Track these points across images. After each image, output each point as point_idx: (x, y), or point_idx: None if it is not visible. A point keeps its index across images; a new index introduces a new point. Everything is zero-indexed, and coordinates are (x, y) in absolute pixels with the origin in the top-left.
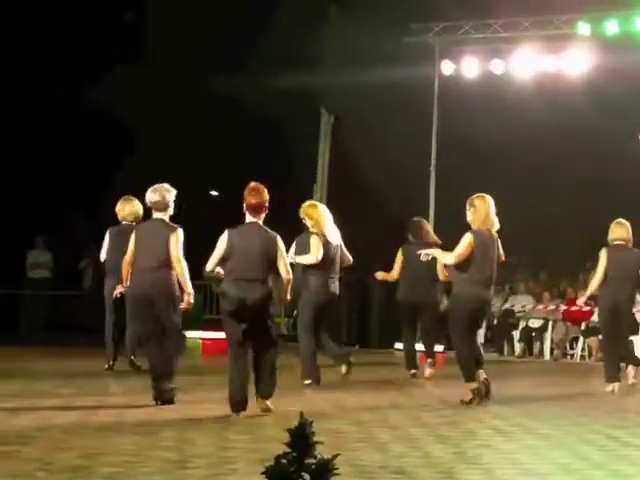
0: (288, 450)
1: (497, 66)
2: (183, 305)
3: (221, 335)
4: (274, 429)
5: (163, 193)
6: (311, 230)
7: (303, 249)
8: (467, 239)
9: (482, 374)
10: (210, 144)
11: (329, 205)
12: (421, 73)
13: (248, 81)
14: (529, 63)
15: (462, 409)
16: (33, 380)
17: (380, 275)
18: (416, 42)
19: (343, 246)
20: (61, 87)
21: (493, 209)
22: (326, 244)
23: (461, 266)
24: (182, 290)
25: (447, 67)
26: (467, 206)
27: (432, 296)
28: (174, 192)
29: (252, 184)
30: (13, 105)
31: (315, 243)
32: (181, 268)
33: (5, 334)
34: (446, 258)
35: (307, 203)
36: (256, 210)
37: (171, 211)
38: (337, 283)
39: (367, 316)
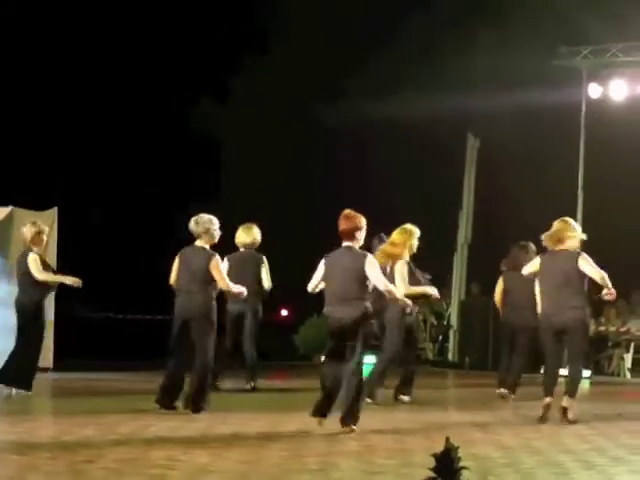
0: (434, 475)
1: None
2: None
3: None
4: (421, 454)
5: None
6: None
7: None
8: None
9: None
10: (350, 169)
11: (475, 230)
12: (568, 96)
13: (394, 106)
14: None
15: (609, 435)
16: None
17: None
18: (564, 65)
19: None
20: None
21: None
22: None
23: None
24: None
25: (595, 90)
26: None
27: None
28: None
29: (345, 211)
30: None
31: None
32: None
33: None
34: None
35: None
36: (347, 235)
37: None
38: None
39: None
